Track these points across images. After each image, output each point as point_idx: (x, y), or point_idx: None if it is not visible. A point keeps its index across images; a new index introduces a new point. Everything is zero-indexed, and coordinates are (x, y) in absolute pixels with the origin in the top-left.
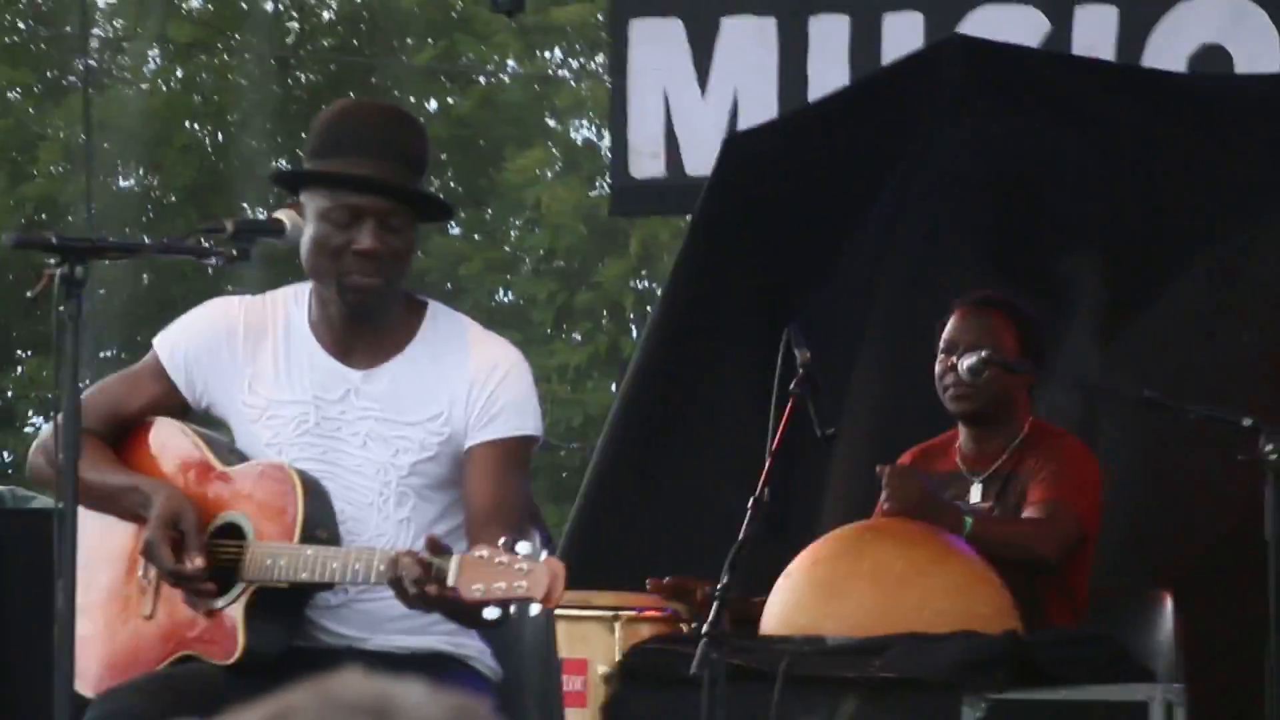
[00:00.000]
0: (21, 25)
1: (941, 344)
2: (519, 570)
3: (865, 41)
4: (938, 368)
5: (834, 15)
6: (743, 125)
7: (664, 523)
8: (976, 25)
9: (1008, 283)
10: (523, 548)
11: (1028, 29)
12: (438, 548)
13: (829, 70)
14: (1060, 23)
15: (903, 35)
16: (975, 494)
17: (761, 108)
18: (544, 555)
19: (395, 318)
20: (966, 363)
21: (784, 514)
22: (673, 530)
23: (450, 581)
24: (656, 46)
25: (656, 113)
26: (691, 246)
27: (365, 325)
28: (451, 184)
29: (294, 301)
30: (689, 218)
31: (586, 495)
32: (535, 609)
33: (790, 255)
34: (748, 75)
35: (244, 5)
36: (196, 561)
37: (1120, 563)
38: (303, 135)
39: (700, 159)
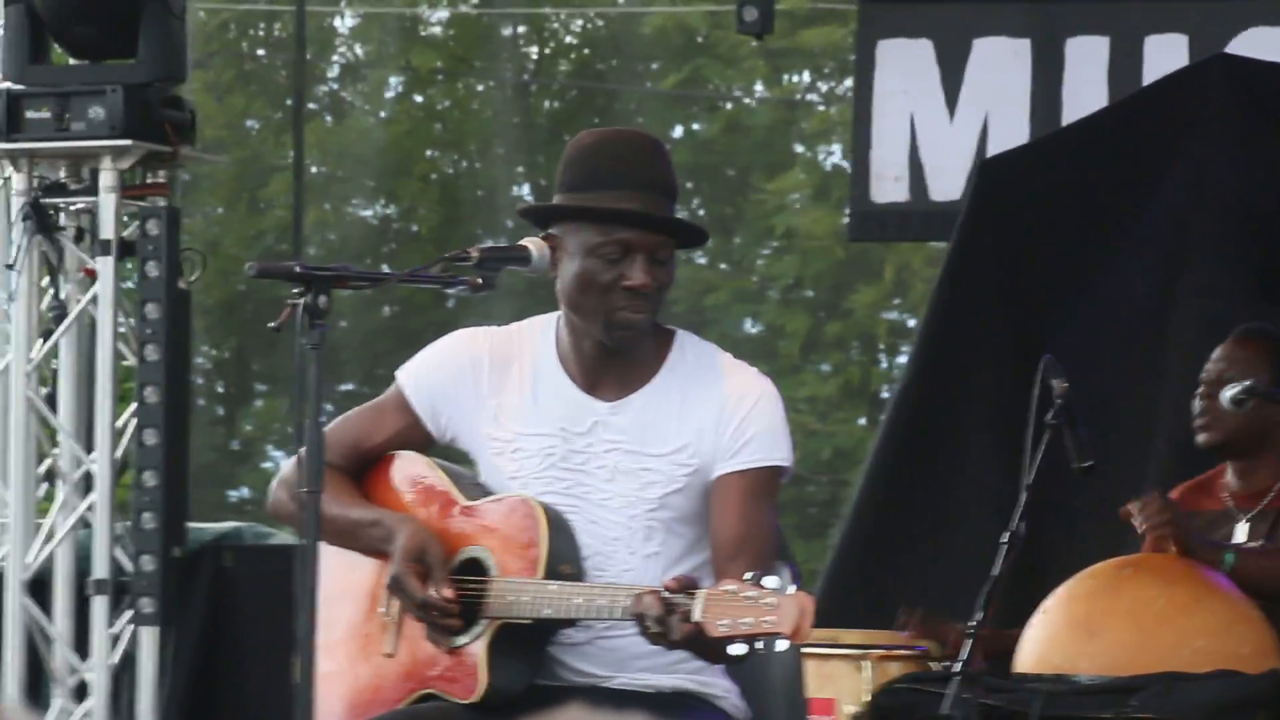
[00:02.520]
0: (259, 53)
1: (1201, 375)
2: (766, 605)
3: (1126, 64)
4: (1195, 401)
5: (1093, 37)
6: (992, 149)
7: (918, 558)
8: (1244, 46)
9: (1270, 310)
10: (770, 581)
11: None
12: (683, 583)
13: (1087, 93)
14: None
15: (1166, 58)
16: (1240, 533)
17: (1012, 131)
18: (792, 589)
19: (645, 348)
20: (1229, 393)
21: (1039, 548)
22: (927, 565)
23: (696, 617)
24: (904, 68)
25: (901, 136)
26: (947, 276)
27: (616, 357)
28: (698, 211)
29: (541, 333)
30: (943, 244)
31: (847, 531)
32: (782, 645)
33: (1045, 282)
34: (999, 98)
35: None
36: (445, 592)
37: None
38: (540, 160)
39: (945, 184)
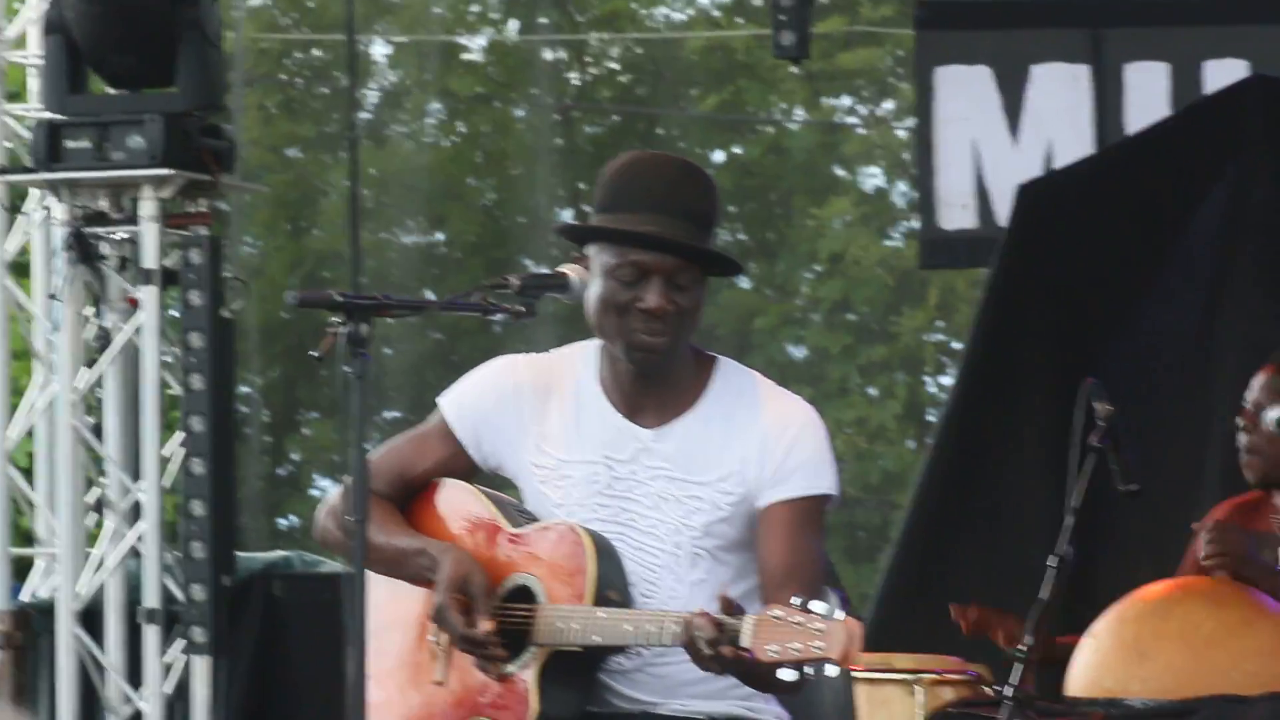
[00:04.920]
0: (300, 80)
1: (1244, 404)
2: (815, 630)
3: (1186, 89)
4: (1239, 435)
5: (1152, 63)
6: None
7: (968, 580)
8: None
9: None
10: (818, 606)
11: None
12: (732, 607)
13: (1148, 119)
14: None
15: (1225, 83)
16: None
17: (1077, 156)
18: (840, 614)
19: (685, 374)
20: (1272, 415)
21: (1087, 572)
22: (976, 588)
23: (745, 642)
24: (964, 95)
25: (965, 162)
26: (991, 299)
27: (655, 383)
28: (740, 236)
29: (582, 359)
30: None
31: (897, 555)
32: (832, 670)
33: (1089, 304)
34: (1062, 123)
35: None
36: (485, 626)
37: None
38: (581, 186)
39: None
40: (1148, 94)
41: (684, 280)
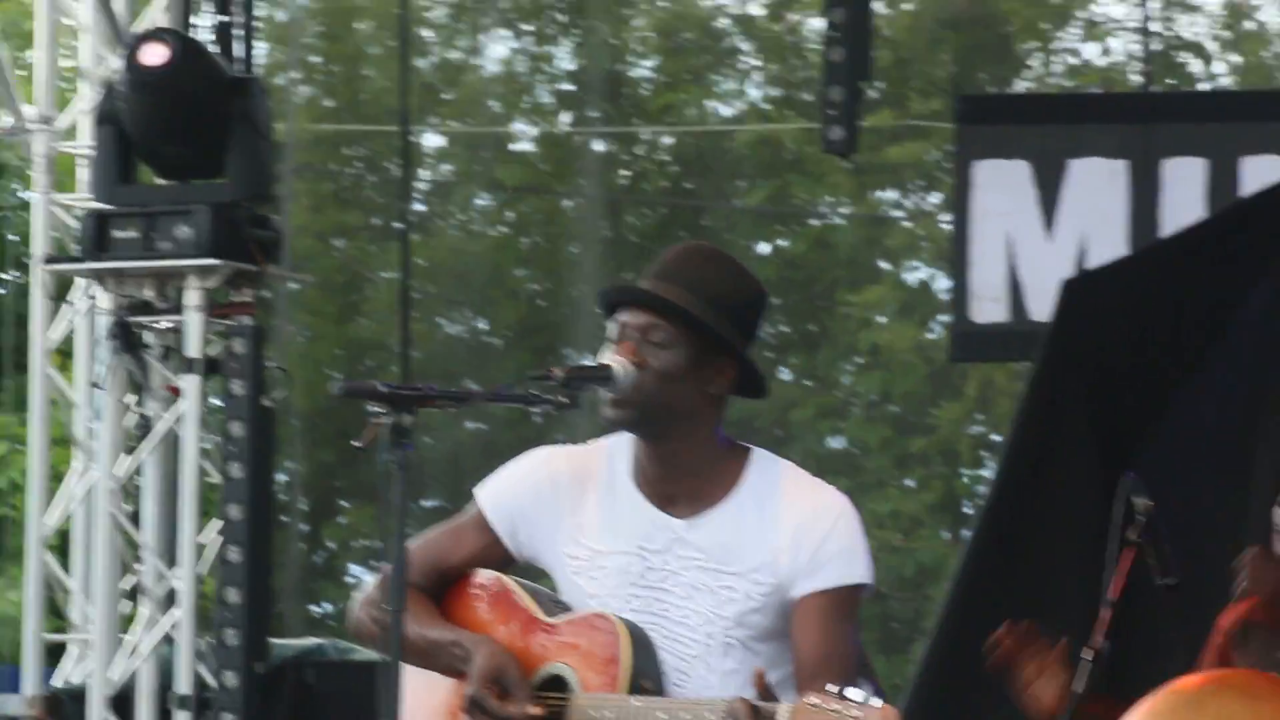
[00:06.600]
0: (350, 170)
1: None
2: (853, 717)
3: (1223, 185)
4: (1275, 509)
5: (1190, 159)
6: (1088, 268)
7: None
8: None
9: None
10: (854, 694)
11: None
12: (768, 691)
13: (1184, 214)
14: None
15: (1263, 179)
16: None
17: (1111, 251)
18: (877, 702)
19: (718, 464)
20: None
21: (1122, 666)
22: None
23: None
24: (1001, 189)
25: (999, 256)
26: (1033, 392)
27: (686, 473)
28: (782, 327)
29: (616, 450)
30: (1027, 362)
31: (932, 646)
32: None
33: (1131, 399)
34: (1097, 218)
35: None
36: (531, 710)
37: None
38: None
39: (1045, 303)
40: (1184, 189)
41: (659, 338)
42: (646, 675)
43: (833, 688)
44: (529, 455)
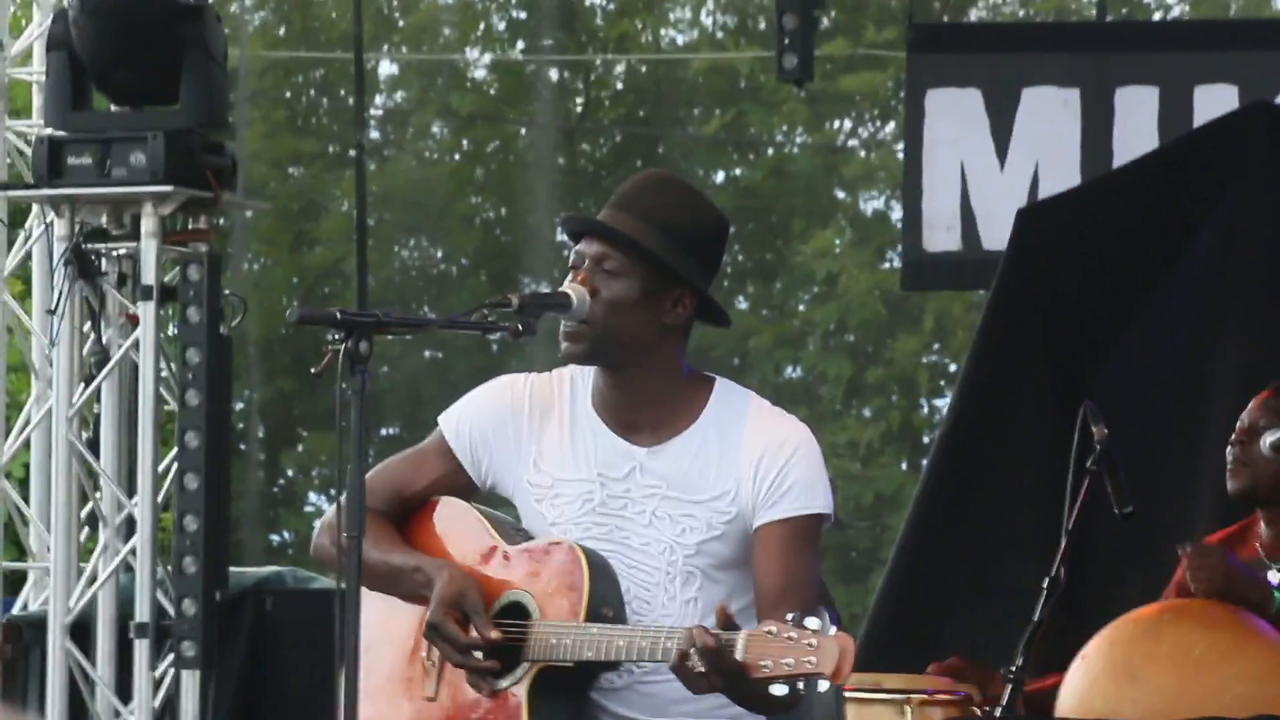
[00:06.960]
0: (305, 97)
1: (1239, 423)
2: (808, 645)
3: (1176, 114)
4: (1228, 449)
5: (1142, 87)
6: (1043, 197)
7: (960, 603)
8: None
9: None
10: (811, 622)
11: None
12: (729, 621)
13: (1136, 142)
14: None
15: (1216, 108)
16: (1273, 581)
17: (1063, 180)
18: (833, 630)
19: (680, 393)
20: (1270, 439)
21: (1079, 594)
22: (968, 610)
23: (738, 657)
24: (954, 118)
25: (952, 185)
26: (989, 322)
27: (648, 401)
28: (739, 258)
29: (579, 378)
30: (983, 292)
31: (889, 576)
32: (823, 686)
33: (1086, 328)
34: (1050, 147)
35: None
36: (492, 634)
37: None
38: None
39: (997, 233)
40: (1137, 118)
41: (611, 267)
42: (607, 603)
43: (791, 616)
44: (492, 382)
